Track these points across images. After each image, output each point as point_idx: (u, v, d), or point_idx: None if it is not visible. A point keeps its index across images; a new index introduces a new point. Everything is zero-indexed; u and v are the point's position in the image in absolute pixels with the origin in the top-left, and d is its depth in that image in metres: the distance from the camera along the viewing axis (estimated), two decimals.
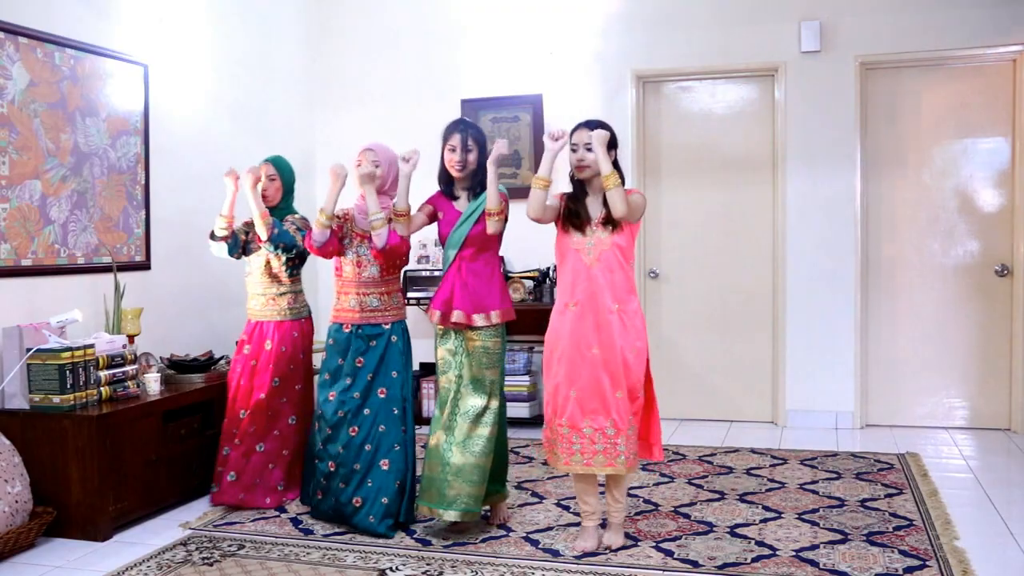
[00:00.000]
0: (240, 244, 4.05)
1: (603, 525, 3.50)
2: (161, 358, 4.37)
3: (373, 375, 3.66)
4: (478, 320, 3.49)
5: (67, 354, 3.65)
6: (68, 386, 3.64)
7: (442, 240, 3.58)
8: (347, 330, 3.70)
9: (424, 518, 3.68)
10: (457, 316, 3.47)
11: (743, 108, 5.67)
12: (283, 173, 4.10)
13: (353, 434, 3.64)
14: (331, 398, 3.68)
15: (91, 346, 3.78)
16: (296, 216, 4.09)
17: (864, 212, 5.44)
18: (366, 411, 3.64)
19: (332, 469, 3.66)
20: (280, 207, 4.08)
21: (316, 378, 4.06)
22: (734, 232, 5.68)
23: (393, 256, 3.65)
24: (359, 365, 3.68)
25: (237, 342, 4.17)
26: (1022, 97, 5.21)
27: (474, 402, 3.50)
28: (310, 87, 6.18)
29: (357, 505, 3.59)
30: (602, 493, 3.59)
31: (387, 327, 3.71)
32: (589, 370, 3.27)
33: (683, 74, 5.69)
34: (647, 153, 5.79)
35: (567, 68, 5.78)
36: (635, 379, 3.31)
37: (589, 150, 3.29)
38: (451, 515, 3.44)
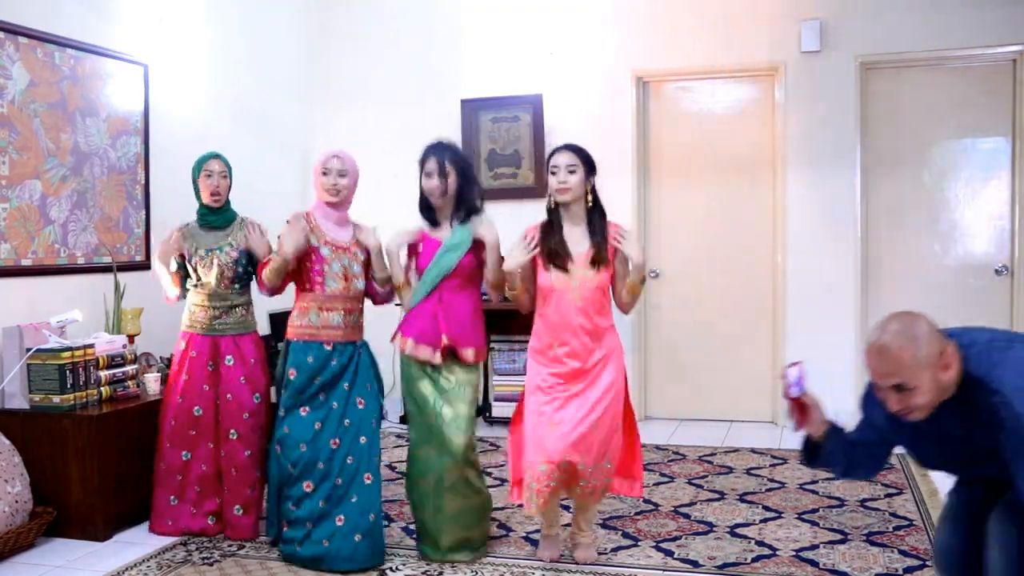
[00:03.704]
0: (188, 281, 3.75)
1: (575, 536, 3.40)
2: (161, 358, 4.37)
3: (350, 385, 3.41)
4: (467, 355, 3.31)
5: (67, 354, 3.64)
6: (68, 386, 3.64)
7: (419, 272, 3.33)
8: (328, 348, 3.39)
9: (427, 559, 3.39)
10: (427, 352, 3.27)
11: (743, 108, 5.67)
12: (231, 169, 3.79)
13: (335, 446, 3.34)
14: (303, 413, 3.34)
15: (91, 346, 3.78)
16: (258, 230, 3.77)
17: (864, 212, 5.44)
18: (346, 422, 3.37)
19: (309, 490, 3.32)
20: (227, 205, 3.79)
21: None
22: (734, 232, 5.68)
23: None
24: (337, 381, 3.41)
25: (184, 358, 3.71)
26: (1022, 97, 5.21)
27: (459, 441, 3.25)
28: (309, 87, 6.18)
29: (339, 524, 3.29)
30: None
31: (359, 342, 3.49)
32: (570, 411, 3.11)
33: (683, 74, 5.69)
34: (647, 153, 5.79)
35: (567, 68, 5.78)
36: (614, 416, 3.16)
37: (571, 172, 3.14)
38: (457, 557, 3.31)
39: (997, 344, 2.16)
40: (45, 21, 4.01)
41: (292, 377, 3.37)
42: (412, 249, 3.39)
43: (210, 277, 3.69)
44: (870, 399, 2.31)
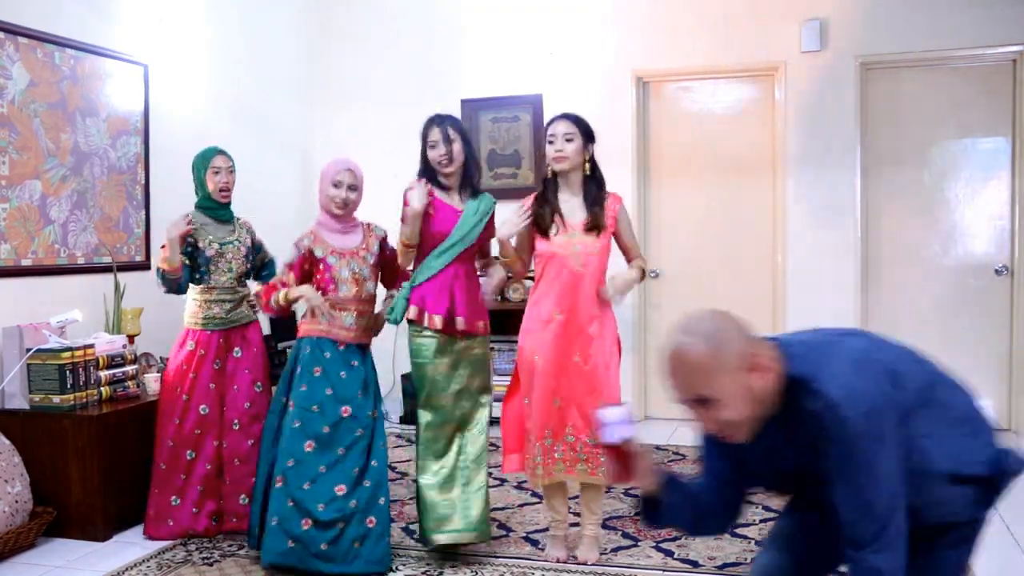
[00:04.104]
0: (188, 274, 3.71)
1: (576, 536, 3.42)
2: (161, 358, 4.37)
3: (374, 394, 3.43)
4: (481, 327, 3.37)
5: (67, 354, 3.65)
6: (68, 386, 3.64)
7: (436, 238, 3.32)
8: (342, 348, 3.37)
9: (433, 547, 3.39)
10: (460, 324, 3.30)
11: (743, 108, 5.67)
12: (234, 164, 3.84)
13: (369, 457, 3.34)
14: (344, 414, 3.29)
15: (91, 346, 3.78)
16: (253, 233, 3.93)
17: (864, 212, 5.44)
18: (372, 426, 3.39)
19: (342, 493, 3.23)
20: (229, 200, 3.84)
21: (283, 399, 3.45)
22: (734, 232, 5.68)
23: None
24: (367, 387, 3.40)
25: (192, 357, 3.70)
26: (1022, 97, 5.21)
27: (479, 416, 3.38)
28: (309, 87, 6.18)
29: (371, 526, 3.25)
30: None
31: (368, 349, 3.49)
32: (571, 380, 3.16)
33: (683, 74, 5.69)
34: (647, 153, 5.79)
35: (567, 68, 5.78)
36: (614, 386, 3.19)
37: (568, 140, 3.17)
38: (475, 536, 3.31)
39: (828, 338, 1.84)
40: (45, 21, 4.01)
41: (318, 375, 3.31)
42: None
43: (230, 272, 3.75)
44: (705, 438, 1.95)
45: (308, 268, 3.38)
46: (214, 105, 5.16)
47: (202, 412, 3.69)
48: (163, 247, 3.68)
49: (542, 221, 3.22)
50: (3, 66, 3.80)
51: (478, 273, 3.52)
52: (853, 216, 5.41)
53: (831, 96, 5.41)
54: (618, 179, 5.54)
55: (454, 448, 3.35)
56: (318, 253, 3.37)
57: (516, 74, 5.84)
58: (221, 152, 3.80)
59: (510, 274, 3.44)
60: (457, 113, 5.83)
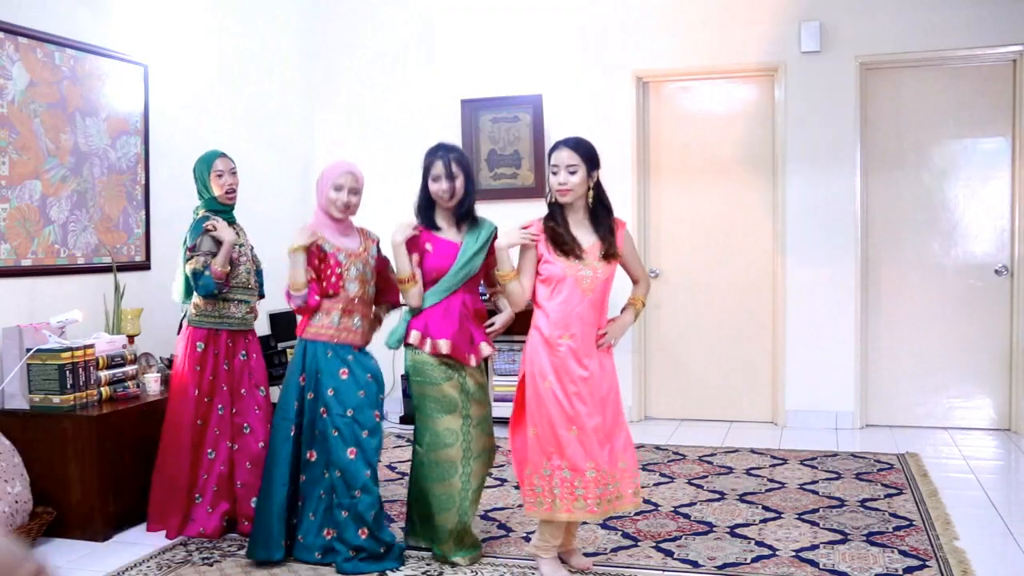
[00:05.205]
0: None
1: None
2: (161, 358, 4.37)
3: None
4: (487, 351, 3.34)
5: (67, 354, 3.64)
6: (68, 386, 3.64)
7: (437, 272, 3.27)
8: (356, 350, 3.38)
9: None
10: (486, 350, 3.31)
11: (743, 108, 5.67)
12: (235, 165, 3.83)
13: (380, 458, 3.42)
14: (376, 419, 3.32)
15: (91, 346, 3.78)
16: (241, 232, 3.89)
17: (864, 212, 5.44)
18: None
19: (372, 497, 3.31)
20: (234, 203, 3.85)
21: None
22: (734, 232, 5.68)
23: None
24: (369, 380, 3.40)
25: (207, 356, 3.71)
26: (1022, 97, 5.22)
27: (484, 444, 3.32)
28: (310, 88, 6.18)
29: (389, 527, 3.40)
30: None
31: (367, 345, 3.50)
32: (587, 406, 3.05)
33: (683, 74, 5.69)
34: (647, 153, 5.79)
35: (567, 68, 5.78)
36: (618, 412, 3.14)
37: (572, 173, 3.06)
38: (467, 559, 3.31)
39: None
40: (45, 21, 4.01)
41: (344, 377, 3.30)
42: (414, 247, 3.32)
43: (248, 272, 3.77)
44: None
45: (317, 264, 3.33)
46: (214, 105, 5.16)
47: (219, 412, 3.72)
48: (190, 249, 3.65)
49: (563, 244, 3.10)
50: (3, 66, 3.80)
51: (486, 300, 3.50)
52: (853, 216, 5.41)
53: (831, 96, 5.41)
54: (618, 179, 5.57)
55: (457, 474, 3.27)
56: (327, 248, 3.34)
57: (516, 74, 5.84)
58: (222, 155, 3.79)
59: (498, 288, 3.35)
60: (457, 113, 5.85)
